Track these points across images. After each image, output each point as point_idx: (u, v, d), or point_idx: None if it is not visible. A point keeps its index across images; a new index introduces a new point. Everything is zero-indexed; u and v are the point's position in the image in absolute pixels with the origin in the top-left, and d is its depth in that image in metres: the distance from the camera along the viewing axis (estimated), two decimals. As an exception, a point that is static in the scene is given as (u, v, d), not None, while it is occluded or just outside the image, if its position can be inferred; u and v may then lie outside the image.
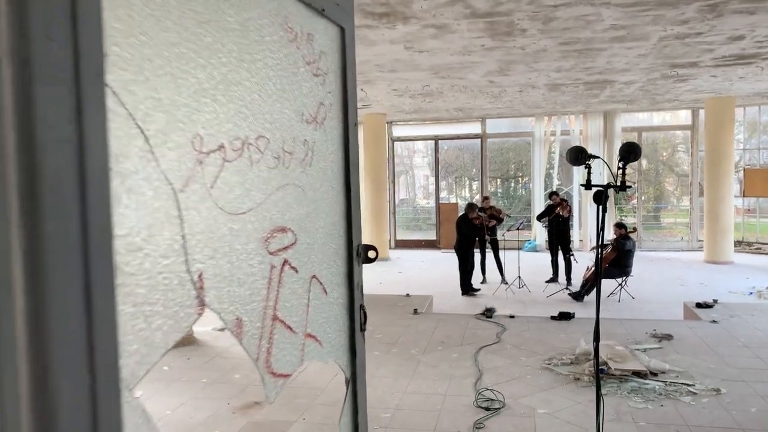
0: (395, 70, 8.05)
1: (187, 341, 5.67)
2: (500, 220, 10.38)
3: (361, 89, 9.70)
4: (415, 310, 6.36)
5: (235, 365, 4.95)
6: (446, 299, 9.41)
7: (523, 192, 21.56)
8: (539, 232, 14.82)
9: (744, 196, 13.47)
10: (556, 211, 10.34)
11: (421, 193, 24.56)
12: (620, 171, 2.64)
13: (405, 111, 13.31)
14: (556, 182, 15.32)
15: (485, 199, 10.61)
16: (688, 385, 4.08)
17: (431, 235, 16.51)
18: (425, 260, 13.90)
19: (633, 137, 15.17)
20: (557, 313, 6.03)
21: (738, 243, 13.07)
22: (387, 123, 14.94)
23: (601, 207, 2.75)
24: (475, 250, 10.09)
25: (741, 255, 12.83)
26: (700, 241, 14.28)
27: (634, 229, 9.37)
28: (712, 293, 9.68)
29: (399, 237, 16.24)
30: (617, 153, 2.73)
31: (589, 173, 2.82)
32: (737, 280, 10.65)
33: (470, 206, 9.72)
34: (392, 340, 5.51)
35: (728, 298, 9.28)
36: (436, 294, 9.94)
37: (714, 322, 5.76)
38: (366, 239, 14.56)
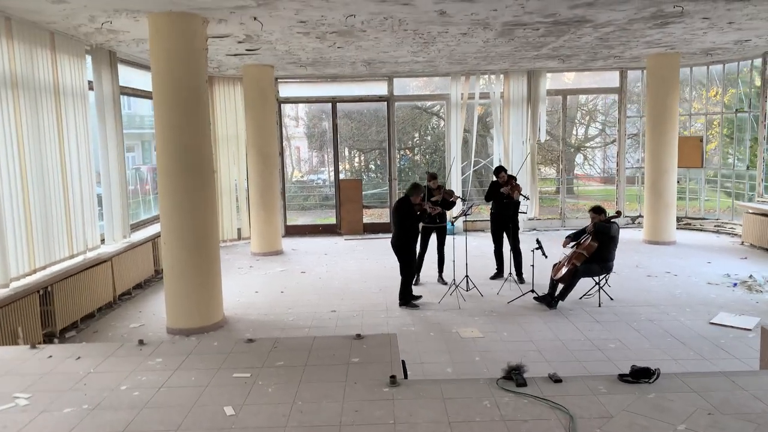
0: (317, -21, 5.11)
1: None
2: (452, 204, 7.92)
3: (254, 18, 6.54)
4: (393, 378, 3.64)
5: None
6: (380, 315, 6.82)
7: (403, 164, 19.43)
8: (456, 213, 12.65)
9: (678, 166, 12.25)
10: (506, 191, 8.10)
11: (305, 167, 21.54)
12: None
13: (299, 62, 10.25)
14: (471, 154, 13.20)
15: (432, 177, 7.99)
16: None
17: (324, 217, 13.74)
18: (329, 252, 11.13)
19: (558, 101, 13.46)
20: (629, 369, 3.66)
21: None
22: (275, 79, 11.76)
23: None
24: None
25: (677, 233, 11.62)
26: (627, 217, 13.02)
27: (619, 214, 7.35)
28: (689, 284, 8.09)
29: (289, 222, 13.23)
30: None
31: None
32: (699, 265, 9.21)
33: (415, 187, 7.05)
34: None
35: (713, 291, 7.71)
36: (367, 307, 7.32)
37: None
38: (254, 227, 11.41)
